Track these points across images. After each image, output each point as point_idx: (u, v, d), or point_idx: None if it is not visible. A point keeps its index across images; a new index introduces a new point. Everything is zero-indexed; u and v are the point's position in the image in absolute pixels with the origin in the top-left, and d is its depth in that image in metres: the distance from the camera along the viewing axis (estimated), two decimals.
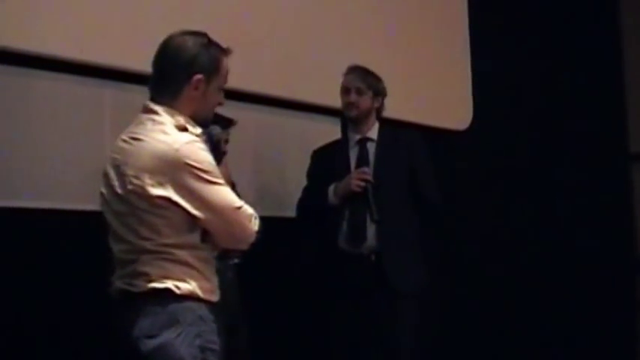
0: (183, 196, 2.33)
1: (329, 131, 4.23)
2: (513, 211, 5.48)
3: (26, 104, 3.40)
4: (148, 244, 2.34)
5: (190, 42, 2.44)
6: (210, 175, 2.37)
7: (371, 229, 3.76)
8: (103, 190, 2.46)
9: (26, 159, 3.37)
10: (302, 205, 3.98)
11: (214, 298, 2.44)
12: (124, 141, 2.43)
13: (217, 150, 2.96)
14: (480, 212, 5.28)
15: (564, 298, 5.58)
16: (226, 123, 3.73)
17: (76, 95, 3.53)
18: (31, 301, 3.30)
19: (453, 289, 4.94)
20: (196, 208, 2.35)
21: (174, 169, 2.32)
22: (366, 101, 3.90)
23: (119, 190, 2.38)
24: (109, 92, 3.61)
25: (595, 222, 5.91)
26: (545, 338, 5.47)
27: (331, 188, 3.81)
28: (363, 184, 3.74)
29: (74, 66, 3.47)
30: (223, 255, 3.17)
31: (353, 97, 3.88)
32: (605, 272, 5.87)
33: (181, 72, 2.42)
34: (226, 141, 3.75)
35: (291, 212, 4.05)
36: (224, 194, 2.40)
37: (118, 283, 2.40)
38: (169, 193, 2.32)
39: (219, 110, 2.71)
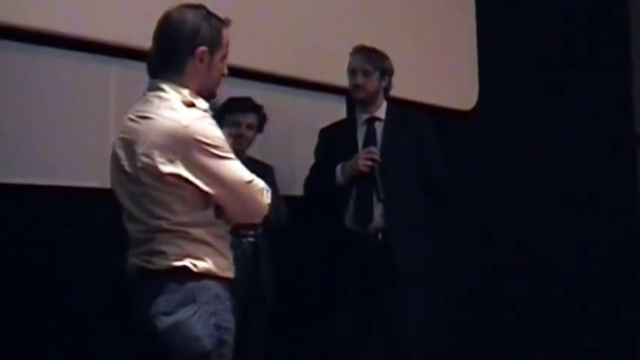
0: (193, 173, 2.32)
1: (337, 110, 4.22)
2: (518, 191, 5.46)
3: (31, 81, 3.39)
4: (163, 224, 2.33)
5: (190, 15, 2.42)
6: (221, 150, 2.35)
7: (378, 209, 3.75)
8: (113, 171, 2.45)
9: (31, 136, 3.36)
10: (309, 184, 3.97)
11: (230, 274, 2.44)
12: (132, 120, 2.41)
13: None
14: (484, 192, 5.26)
15: (569, 279, 5.58)
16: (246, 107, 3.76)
17: (81, 72, 3.52)
18: (36, 277, 3.30)
19: (457, 268, 4.93)
20: (207, 183, 2.33)
21: (184, 145, 2.31)
22: (373, 82, 3.87)
23: (130, 170, 2.37)
24: (115, 69, 3.59)
25: (601, 203, 5.90)
26: (550, 321, 5.47)
27: (339, 168, 3.79)
28: (370, 163, 3.72)
29: (80, 43, 3.45)
30: (237, 232, 3.19)
31: (360, 79, 3.86)
32: (611, 255, 5.87)
33: (184, 46, 2.40)
34: (249, 126, 3.76)
35: (298, 191, 4.04)
36: (235, 169, 2.38)
37: (135, 260, 2.39)
38: (180, 169, 2.31)
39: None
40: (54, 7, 3.32)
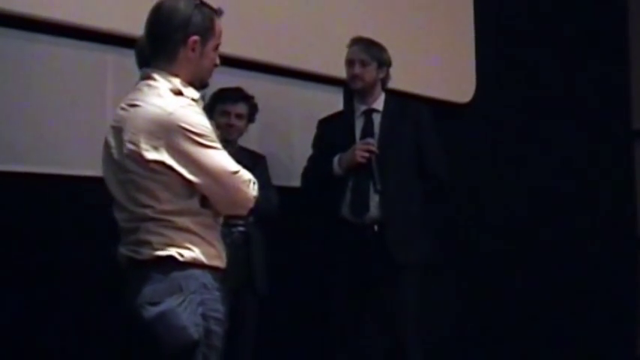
0: (177, 161, 2.31)
1: (335, 101, 4.23)
2: (515, 185, 5.46)
3: (28, 69, 3.39)
4: (148, 212, 2.32)
5: (182, 4, 2.41)
6: (206, 139, 2.33)
7: (374, 200, 3.75)
8: (104, 159, 2.45)
9: (28, 124, 3.36)
10: (307, 175, 3.97)
11: (220, 263, 2.43)
12: (123, 108, 2.41)
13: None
14: (480, 186, 5.27)
15: (566, 273, 5.58)
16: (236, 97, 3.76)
17: (78, 60, 3.52)
18: (34, 265, 3.30)
19: (454, 261, 4.94)
20: (191, 172, 2.32)
21: (169, 132, 2.30)
22: (370, 73, 3.87)
23: (117, 157, 2.37)
24: (112, 57, 3.59)
25: (597, 198, 5.90)
26: (546, 314, 5.48)
27: (336, 159, 3.80)
28: (367, 154, 3.72)
29: (77, 31, 3.45)
30: (227, 222, 3.18)
31: (357, 69, 3.86)
32: (607, 249, 5.88)
33: (176, 35, 2.39)
34: (238, 115, 3.76)
35: (296, 182, 4.04)
36: (219, 158, 2.36)
37: (124, 250, 2.39)
38: (164, 157, 2.30)
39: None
40: None
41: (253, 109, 3.84)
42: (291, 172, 4.15)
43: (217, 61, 2.50)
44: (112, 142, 2.39)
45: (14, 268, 3.25)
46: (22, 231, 3.30)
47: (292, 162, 4.21)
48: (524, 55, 5.60)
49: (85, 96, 3.52)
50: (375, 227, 3.76)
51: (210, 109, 3.11)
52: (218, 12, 2.48)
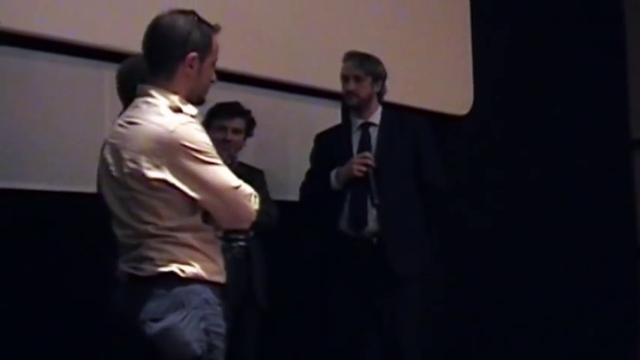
0: (179, 178, 2.32)
1: (331, 115, 4.22)
2: (513, 196, 5.46)
3: (26, 86, 3.40)
4: (150, 228, 2.33)
5: (181, 20, 2.42)
6: (207, 156, 2.35)
7: (372, 213, 3.75)
8: (101, 176, 2.45)
9: (26, 141, 3.37)
10: (305, 189, 3.97)
11: (221, 279, 2.43)
12: (121, 125, 2.42)
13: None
14: (479, 197, 5.27)
15: (565, 283, 5.58)
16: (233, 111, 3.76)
17: (76, 77, 3.53)
18: (31, 281, 3.30)
19: (453, 274, 4.93)
20: (194, 189, 2.33)
21: (170, 150, 2.31)
22: (365, 88, 3.88)
23: (117, 175, 2.37)
24: (109, 74, 3.58)
25: (596, 208, 5.90)
26: (546, 321, 5.47)
27: (333, 173, 3.80)
28: (364, 168, 3.73)
29: (74, 47, 3.45)
30: (228, 236, 3.19)
31: (352, 85, 3.86)
32: (607, 259, 5.87)
33: (175, 51, 2.40)
34: (235, 130, 3.76)
35: (293, 196, 4.04)
36: (221, 174, 2.38)
37: (124, 267, 2.40)
38: (166, 175, 2.31)
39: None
40: (49, 13, 3.33)
41: (251, 123, 3.84)
42: (288, 186, 4.15)
43: (214, 77, 2.51)
44: (110, 160, 2.40)
45: (10, 283, 3.24)
46: (19, 247, 3.30)
47: (289, 176, 4.21)
48: (522, 66, 5.60)
49: (82, 112, 3.53)
50: (374, 240, 3.76)
51: (206, 125, 3.11)
52: (215, 28, 2.49)
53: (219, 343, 2.37)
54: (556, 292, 5.51)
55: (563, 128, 5.81)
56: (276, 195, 3.96)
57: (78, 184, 3.44)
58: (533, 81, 5.69)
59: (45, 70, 3.45)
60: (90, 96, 3.57)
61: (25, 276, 3.30)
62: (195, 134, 2.34)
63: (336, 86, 3.96)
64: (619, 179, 6.26)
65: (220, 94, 3.40)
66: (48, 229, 3.39)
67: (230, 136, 3.74)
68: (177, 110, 2.38)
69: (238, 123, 3.79)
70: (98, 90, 3.58)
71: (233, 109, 3.78)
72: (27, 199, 3.35)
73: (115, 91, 3.51)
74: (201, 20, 2.46)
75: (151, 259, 2.32)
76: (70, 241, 3.43)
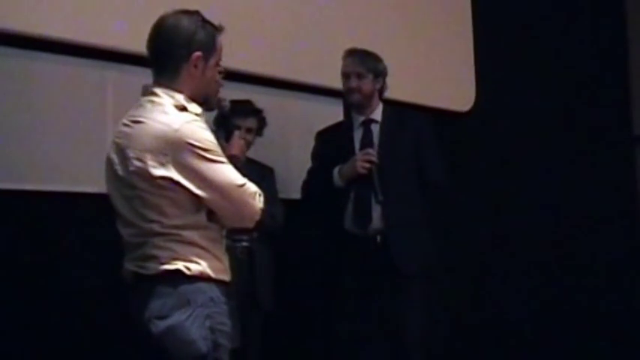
0: (185, 176, 2.32)
1: (333, 112, 4.23)
2: (516, 193, 5.46)
3: (28, 87, 3.40)
4: (155, 227, 2.33)
5: (185, 21, 2.43)
6: (212, 154, 2.35)
7: (376, 211, 3.75)
8: (108, 175, 2.46)
9: (29, 141, 3.37)
10: (307, 187, 3.97)
11: (226, 277, 2.44)
12: (126, 125, 2.42)
13: (226, 123, 2.98)
14: (481, 194, 5.27)
15: (567, 281, 5.58)
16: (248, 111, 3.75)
17: (78, 77, 3.53)
18: (35, 282, 3.30)
19: (457, 270, 4.93)
20: (199, 187, 2.34)
21: (175, 148, 2.31)
22: (367, 85, 3.87)
23: (123, 174, 2.38)
24: (112, 74, 3.60)
25: (599, 204, 5.90)
26: (547, 320, 5.47)
27: (336, 170, 3.79)
28: (368, 165, 3.72)
29: (77, 48, 3.46)
30: (232, 236, 3.18)
31: (354, 82, 3.86)
32: (608, 256, 5.87)
33: (180, 51, 2.41)
34: (248, 130, 3.75)
35: (296, 194, 4.04)
36: (226, 172, 2.38)
37: (129, 266, 2.40)
38: (171, 173, 2.31)
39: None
40: (51, 14, 3.33)
41: (262, 122, 3.85)
42: (290, 185, 4.15)
43: (218, 77, 2.52)
44: (115, 159, 2.41)
45: (14, 286, 3.25)
46: (23, 249, 3.30)
47: (292, 174, 4.20)
48: (524, 62, 5.60)
49: (85, 113, 3.53)
50: (379, 238, 3.76)
51: (223, 123, 3.09)
52: (219, 28, 2.50)
53: (225, 341, 2.37)
54: (556, 290, 5.51)
55: (565, 125, 5.81)
56: (278, 193, 3.96)
57: (80, 185, 3.45)
58: (535, 77, 5.68)
59: (47, 71, 3.44)
60: (92, 97, 3.57)
61: (26, 277, 3.29)
62: (200, 132, 2.35)
63: (339, 84, 3.96)
64: (621, 174, 6.26)
65: (221, 92, 3.39)
66: (49, 230, 3.39)
67: (243, 134, 3.73)
68: (182, 109, 2.39)
69: (251, 122, 3.79)
70: (101, 91, 3.58)
71: (247, 108, 3.79)
72: (28, 200, 3.35)
73: (117, 92, 3.55)
74: (205, 20, 2.47)
75: (156, 258, 2.33)
76: (72, 241, 3.43)
